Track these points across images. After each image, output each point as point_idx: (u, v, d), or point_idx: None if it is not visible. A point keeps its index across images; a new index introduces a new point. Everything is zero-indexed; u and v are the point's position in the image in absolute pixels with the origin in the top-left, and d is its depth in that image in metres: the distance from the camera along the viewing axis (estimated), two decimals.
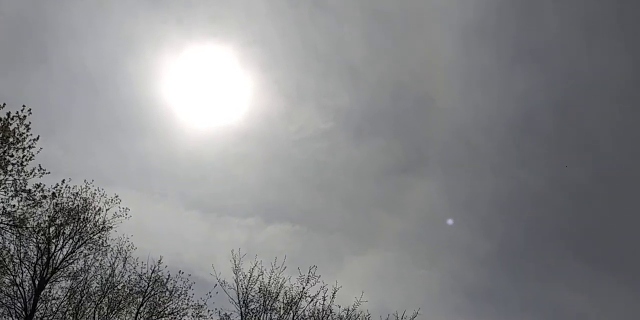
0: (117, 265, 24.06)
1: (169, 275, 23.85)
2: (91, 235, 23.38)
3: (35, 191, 18.84)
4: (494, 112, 62.73)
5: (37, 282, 22.36)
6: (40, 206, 19.94)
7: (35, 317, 22.49)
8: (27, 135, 18.66)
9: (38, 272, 22.47)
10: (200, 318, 23.06)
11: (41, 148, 18.13)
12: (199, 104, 56.03)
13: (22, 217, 20.20)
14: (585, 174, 63.27)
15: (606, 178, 63.17)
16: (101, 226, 23.39)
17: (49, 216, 22.08)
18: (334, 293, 20.58)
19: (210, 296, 22.74)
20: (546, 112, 63.70)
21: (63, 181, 22.21)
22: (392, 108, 64.70)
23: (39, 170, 18.21)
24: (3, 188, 18.66)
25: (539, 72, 62.22)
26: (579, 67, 61.38)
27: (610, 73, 61.37)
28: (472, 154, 64.23)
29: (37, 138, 18.01)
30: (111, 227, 23.67)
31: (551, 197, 63.60)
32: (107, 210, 23.61)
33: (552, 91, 63.08)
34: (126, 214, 23.87)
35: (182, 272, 23.86)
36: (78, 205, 23.00)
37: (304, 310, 20.99)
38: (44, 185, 19.31)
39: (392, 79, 64.45)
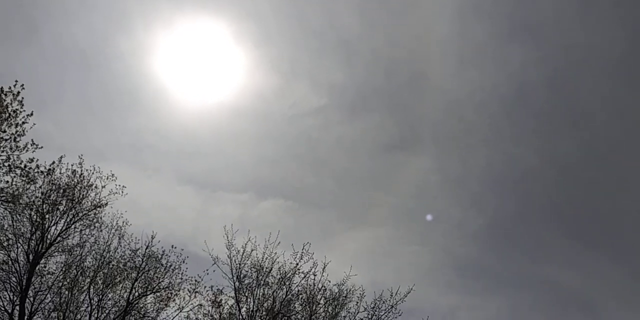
0: (112, 242, 24.28)
1: (163, 251, 24.14)
2: (86, 212, 23.48)
3: (29, 166, 18.78)
4: (488, 88, 62.73)
5: (31, 257, 22.50)
6: (34, 183, 19.92)
7: (30, 291, 22.73)
8: (20, 111, 18.54)
9: (32, 247, 22.59)
10: (196, 293, 23.45)
11: (34, 124, 18.05)
12: (192, 80, 55.57)
13: (15, 193, 20.19)
14: (578, 149, 63.90)
15: (599, 154, 63.78)
16: (97, 203, 23.47)
17: (42, 193, 22.09)
18: (324, 267, 20.92)
19: (207, 273, 23.12)
20: (540, 87, 63.74)
21: (60, 159, 22.16)
22: (386, 85, 64.52)
23: (31, 145, 18.14)
24: None
25: (533, 47, 61.90)
26: (574, 42, 61.11)
27: (605, 48, 61.26)
28: (465, 130, 64.54)
29: (31, 114, 17.90)
30: (106, 204, 23.78)
31: (543, 173, 64.34)
32: (102, 187, 23.72)
33: (546, 67, 62.94)
34: (122, 192, 23.99)
35: (175, 247, 24.14)
36: (73, 182, 23.03)
37: (297, 286, 21.37)
38: (38, 160, 19.25)
39: (387, 56, 64.05)
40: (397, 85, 64.16)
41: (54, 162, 21.41)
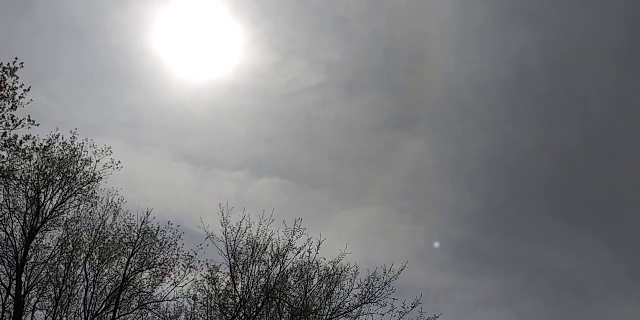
0: (108, 218, 24.37)
1: (158, 227, 24.22)
2: (81, 186, 23.48)
3: (25, 142, 18.66)
4: (487, 71, 62.53)
5: (27, 232, 22.59)
6: (30, 160, 19.84)
7: (26, 265, 22.90)
8: (18, 88, 18.29)
9: (28, 222, 22.66)
10: (191, 268, 23.67)
11: (32, 100, 17.84)
12: (189, 56, 55.18)
13: (10, 168, 20.11)
14: (574, 134, 64.14)
15: (595, 140, 64.03)
16: (91, 177, 23.44)
17: (37, 168, 22.03)
18: (319, 245, 21.05)
19: (201, 248, 23.26)
20: (539, 72, 63.63)
21: (57, 136, 22.01)
22: (385, 64, 64.10)
23: (28, 121, 17.98)
24: None
25: (534, 31, 61.61)
26: (575, 27, 60.87)
27: (606, 34, 61.01)
28: (463, 113, 64.54)
29: (29, 89, 17.65)
30: (101, 178, 23.75)
31: (539, 157, 64.68)
32: (97, 161, 23.64)
33: (546, 51, 62.77)
34: (117, 166, 23.91)
35: (172, 224, 24.26)
36: (67, 156, 22.96)
37: (291, 262, 21.61)
38: (35, 138, 19.11)
39: (386, 35, 63.53)
40: (396, 65, 63.83)
41: (50, 140, 21.25)
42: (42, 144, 19.60)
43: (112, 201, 24.33)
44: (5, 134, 17.82)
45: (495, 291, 54.95)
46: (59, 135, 22.01)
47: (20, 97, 17.46)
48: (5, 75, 17.65)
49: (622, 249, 59.42)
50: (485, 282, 55.48)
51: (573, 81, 63.14)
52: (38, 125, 17.89)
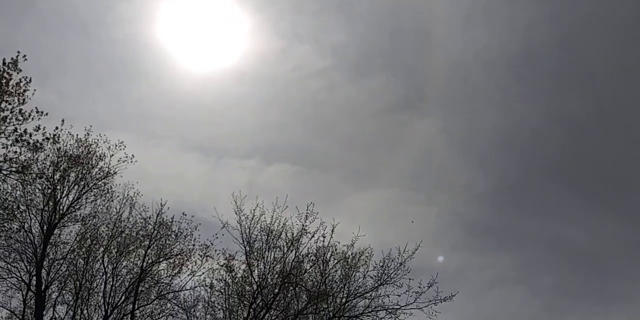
0: (124, 211, 24.60)
1: (172, 218, 24.40)
2: (96, 181, 23.73)
3: (35, 134, 18.89)
4: (495, 47, 61.56)
5: (45, 228, 22.90)
6: (42, 151, 20.07)
7: (45, 261, 23.22)
8: (22, 82, 18.52)
9: (45, 218, 22.96)
10: (208, 258, 23.80)
11: (35, 90, 18.03)
12: (194, 46, 55.33)
13: (24, 163, 20.37)
14: (585, 109, 63.12)
15: (606, 113, 63.03)
16: (106, 172, 23.69)
17: (51, 162, 22.32)
18: (333, 229, 21.01)
19: (217, 237, 23.34)
20: (549, 46, 62.55)
21: (62, 122, 22.17)
22: (391, 45, 63.44)
23: (36, 113, 18.20)
24: (2, 134, 18.71)
25: (541, 5, 60.48)
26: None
27: (616, 5, 59.88)
28: (472, 91, 63.83)
29: (30, 80, 17.87)
30: (116, 172, 23.98)
31: (550, 132, 63.82)
32: (111, 156, 23.85)
33: (555, 25, 61.68)
34: (131, 160, 24.09)
35: (186, 214, 24.37)
36: (82, 152, 23.21)
37: (305, 247, 21.59)
38: (45, 128, 19.32)
39: (390, 15, 62.78)
40: (402, 45, 63.11)
41: (57, 128, 21.49)
42: (51, 133, 19.81)
43: (128, 195, 24.57)
44: (16, 129, 18.10)
45: (510, 268, 54.52)
46: (63, 121, 22.19)
47: (24, 90, 17.66)
48: (10, 71, 17.90)
49: (636, 221, 58.53)
50: (499, 259, 55.06)
51: (582, 55, 62.13)
52: (47, 114, 18.09)
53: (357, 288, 21.57)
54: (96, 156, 23.67)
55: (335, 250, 22.16)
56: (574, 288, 53.85)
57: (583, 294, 52.37)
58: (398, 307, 20.69)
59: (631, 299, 49.52)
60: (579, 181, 63.02)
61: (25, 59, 18.64)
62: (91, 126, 23.63)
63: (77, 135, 23.27)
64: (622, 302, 49.77)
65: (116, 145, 23.72)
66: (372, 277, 21.06)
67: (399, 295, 20.52)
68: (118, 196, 24.44)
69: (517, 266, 55.38)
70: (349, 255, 21.90)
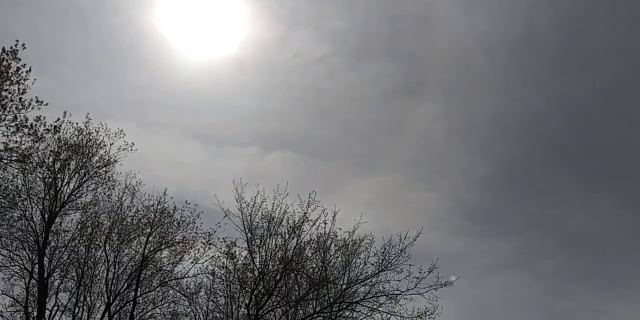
0: (125, 200, 24.68)
1: (174, 206, 24.53)
2: (97, 169, 23.75)
3: (36, 125, 18.87)
4: (496, 32, 61.04)
5: (46, 216, 22.97)
6: (43, 141, 20.04)
7: (47, 249, 23.34)
8: (22, 70, 18.42)
9: (46, 206, 23.02)
10: (210, 245, 23.99)
11: (35, 79, 17.95)
12: (193, 33, 54.90)
13: (25, 152, 20.36)
14: (587, 93, 63.00)
15: (608, 97, 62.88)
16: (106, 160, 23.70)
17: (52, 151, 22.30)
18: (334, 216, 21.11)
19: (219, 226, 23.50)
20: (549, 30, 61.95)
21: (65, 113, 22.17)
22: (390, 30, 62.85)
23: (36, 102, 18.13)
24: (3, 123, 18.66)
25: None
26: None
27: None
28: (473, 76, 63.47)
29: (30, 70, 17.79)
30: (116, 161, 23.98)
31: (551, 117, 63.69)
32: (111, 144, 23.84)
33: (556, 9, 61.08)
34: (131, 149, 24.08)
35: (189, 203, 24.53)
36: (82, 140, 23.19)
37: (307, 234, 21.74)
38: (45, 117, 19.30)
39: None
40: (402, 30, 62.55)
41: (58, 119, 21.43)
42: (52, 124, 19.77)
43: (129, 183, 24.64)
44: (15, 117, 18.04)
45: (510, 253, 55.08)
46: (65, 113, 22.15)
47: (24, 79, 17.59)
48: (9, 59, 17.79)
49: (637, 206, 59.01)
50: (500, 244, 55.58)
51: (584, 38, 61.79)
52: (47, 104, 18.05)
53: (357, 274, 21.81)
54: (96, 144, 23.67)
55: (336, 237, 22.34)
56: (574, 273, 54.45)
57: (584, 279, 53.05)
58: (399, 292, 20.90)
59: (631, 284, 50.20)
60: (580, 166, 63.22)
61: (25, 48, 18.56)
62: (89, 114, 23.62)
63: (77, 123, 23.26)
64: (623, 287, 50.47)
65: (116, 134, 23.73)
66: (372, 264, 21.26)
67: (399, 281, 20.73)
68: (120, 185, 24.54)
69: (517, 251, 55.89)
70: (349, 242, 22.07)
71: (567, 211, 59.22)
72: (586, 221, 58.73)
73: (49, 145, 21.91)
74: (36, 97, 18.35)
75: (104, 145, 23.57)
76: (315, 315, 22.70)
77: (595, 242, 57.64)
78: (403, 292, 20.80)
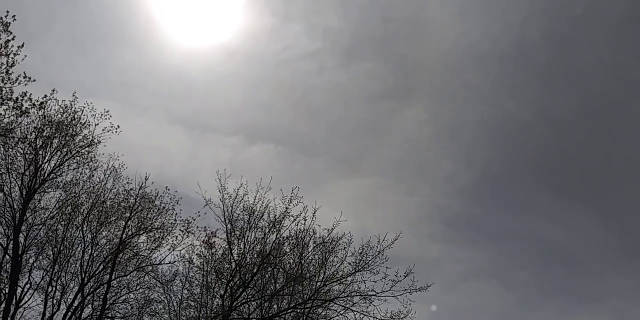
0: (108, 182, 24.40)
1: (157, 193, 24.32)
2: (80, 149, 23.41)
3: (22, 100, 18.51)
4: (487, 40, 61.35)
5: (25, 193, 22.63)
6: (27, 116, 19.70)
7: (24, 226, 23.02)
8: (11, 43, 18.07)
9: (26, 182, 22.68)
10: (189, 233, 23.83)
11: (26, 56, 17.63)
12: (184, 18, 54.34)
13: (8, 126, 20.01)
14: (573, 107, 63.51)
15: (593, 113, 63.45)
16: (90, 140, 23.36)
17: (35, 127, 21.92)
18: (315, 213, 21.01)
19: (199, 215, 23.35)
20: (540, 43, 62.45)
21: (53, 91, 21.78)
22: (383, 31, 62.73)
23: (24, 78, 17.80)
24: None
25: (537, 2, 60.23)
26: None
27: (608, 5, 59.72)
28: (461, 83, 63.69)
29: (22, 45, 17.44)
30: (100, 142, 23.67)
31: (537, 130, 64.22)
32: (96, 125, 23.50)
33: (548, 22, 61.47)
34: (117, 131, 23.79)
35: (169, 189, 24.34)
36: (67, 119, 22.82)
37: (287, 229, 21.62)
38: (31, 94, 18.97)
39: (384, 1, 62.03)
40: (394, 32, 62.43)
41: (46, 96, 21.06)
42: (38, 100, 19.42)
43: (112, 166, 24.35)
44: (1, 90, 17.69)
45: (486, 262, 55.56)
46: (53, 91, 21.77)
47: (15, 54, 17.25)
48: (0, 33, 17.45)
49: (614, 223, 59.82)
50: (476, 253, 56.03)
51: (573, 53, 62.10)
52: (34, 81, 17.71)
53: (334, 273, 21.73)
54: (81, 124, 23.32)
55: (315, 234, 22.21)
56: (547, 285, 55.09)
57: (556, 292, 53.63)
58: (374, 293, 20.86)
59: (602, 299, 50.88)
60: (562, 180, 63.82)
61: (15, 19, 18.21)
62: (76, 93, 23.23)
63: (64, 101, 22.88)
64: (593, 302, 51.11)
65: (102, 115, 23.40)
66: (350, 264, 21.20)
67: (375, 282, 20.70)
68: (102, 166, 24.25)
69: (492, 261, 56.40)
70: (328, 240, 21.95)
71: (545, 224, 59.80)
72: (562, 235, 59.37)
73: (33, 121, 21.55)
74: (24, 72, 18.05)
75: (89, 125, 23.25)
76: (290, 310, 22.63)
77: (569, 257, 58.32)
78: (378, 293, 20.80)
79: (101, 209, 24.07)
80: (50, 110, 22.33)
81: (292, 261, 22.35)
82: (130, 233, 23.77)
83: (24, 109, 18.96)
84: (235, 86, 59.02)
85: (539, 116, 63.94)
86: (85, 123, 23.11)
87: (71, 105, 22.99)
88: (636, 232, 59.10)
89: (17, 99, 18.22)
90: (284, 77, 60.74)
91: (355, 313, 21.08)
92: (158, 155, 40.88)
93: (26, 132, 21.77)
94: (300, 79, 61.30)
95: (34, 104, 19.29)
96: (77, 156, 23.46)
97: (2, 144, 20.79)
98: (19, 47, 17.65)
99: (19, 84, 17.95)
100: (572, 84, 63.34)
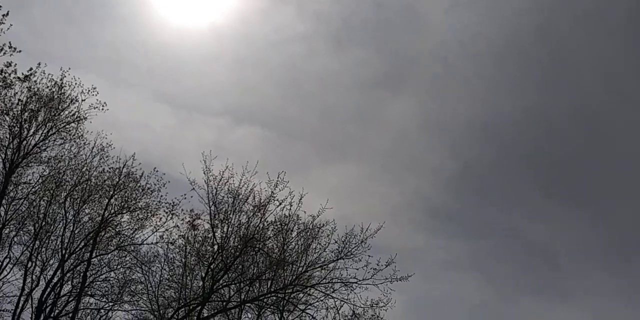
0: (93, 159, 24.09)
1: (142, 173, 24.06)
2: (65, 125, 23.06)
3: (6, 71, 18.10)
4: (478, 32, 61.14)
5: (7, 165, 22.29)
6: (11, 88, 19.30)
7: (6, 199, 22.71)
8: None
9: (9, 155, 22.33)
10: (173, 215, 23.63)
11: (11, 24, 17.19)
12: None
13: None
14: (562, 106, 63.67)
15: (582, 113, 63.71)
16: (76, 116, 22.98)
17: (19, 99, 21.50)
18: (301, 199, 20.93)
19: (185, 197, 23.13)
20: (531, 37, 62.33)
21: (39, 65, 21.35)
22: (374, 18, 62.21)
23: (9, 48, 17.39)
24: None
25: None
26: None
27: (601, 2, 59.61)
28: (451, 74, 63.45)
29: (7, 14, 17.02)
30: (86, 118, 23.31)
31: (525, 126, 64.34)
32: (82, 100, 23.12)
33: (539, 16, 61.30)
34: (103, 108, 23.43)
35: (157, 170, 24.08)
36: (53, 92, 22.40)
37: (271, 213, 21.51)
38: (16, 64, 18.55)
39: None
40: (386, 19, 61.93)
41: (31, 69, 20.62)
42: (23, 73, 19.01)
43: (99, 144, 24.02)
44: None
45: (466, 254, 56.03)
46: (39, 64, 21.35)
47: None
48: None
49: (596, 222, 60.42)
50: (457, 244, 56.45)
51: (564, 47, 62.04)
52: (20, 51, 17.33)
53: (316, 259, 21.71)
54: (69, 99, 22.92)
55: (299, 219, 22.14)
56: (527, 280, 55.66)
57: (535, 287, 54.22)
58: (355, 281, 20.89)
59: (581, 297, 51.52)
60: (546, 177, 64.14)
61: None
62: (67, 68, 22.78)
63: (50, 75, 22.43)
64: (571, 298, 51.74)
65: (89, 91, 23.01)
66: (332, 251, 21.18)
67: (357, 270, 20.73)
68: (89, 144, 23.91)
69: (473, 253, 56.83)
70: (311, 226, 21.89)
71: (527, 220, 60.20)
72: (544, 232, 59.88)
73: (16, 93, 21.12)
74: (9, 42, 17.64)
75: (76, 101, 22.86)
76: (270, 295, 22.63)
77: (550, 253, 58.93)
78: (359, 281, 20.82)
79: (85, 186, 23.78)
80: (38, 83, 21.91)
81: (274, 246, 22.30)
82: (112, 211, 23.53)
83: (8, 81, 18.57)
84: (223, 66, 58.40)
85: (528, 112, 64.05)
86: (73, 99, 22.71)
87: (60, 80, 22.58)
88: (618, 231, 59.79)
89: (2, 70, 17.82)
90: (272, 59, 60.23)
91: (336, 299, 21.13)
92: (142, 132, 40.50)
93: (10, 104, 21.36)
94: (289, 62, 60.73)
95: (18, 78, 18.85)
96: (62, 131, 23.10)
97: None
98: (4, 16, 17.27)
99: (4, 53, 17.62)
100: (563, 78, 63.45)
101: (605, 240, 59.17)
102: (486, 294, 50.80)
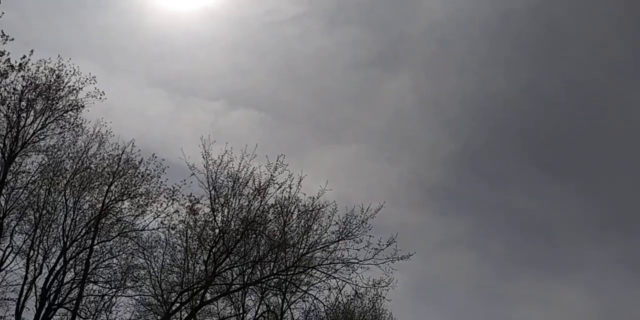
0: (92, 147, 24.11)
1: (141, 159, 24.12)
2: (63, 113, 23.01)
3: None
4: (471, 9, 61.00)
5: (6, 155, 22.28)
6: (5, 77, 19.19)
7: (5, 189, 22.74)
8: None
9: (7, 144, 22.30)
10: (174, 201, 23.74)
11: (3, 12, 17.08)
12: None
13: None
14: (556, 83, 63.87)
15: (576, 89, 63.96)
16: (73, 104, 22.91)
17: (14, 88, 21.40)
18: (300, 181, 21.09)
19: (185, 183, 23.23)
20: (524, 15, 62.25)
21: (31, 53, 21.20)
22: None
23: (1, 36, 17.28)
24: None
25: None
26: None
27: None
28: (445, 52, 63.42)
29: None
30: (83, 106, 23.24)
31: (520, 103, 64.67)
32: (80, 88, 23.01)
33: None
34: (100, 97, 23.35)
35: (156, 156, 24.16)
36: (50, 81, 22.31)
37: (271, 196, 21.65)
38: (9, 53, 18.43)
39: None
40: None
41: (24, 57, 20.49)
42: (16, 61, 18.90)
43: (98, 131, 24.03)
44: None
45: (464, 232, 56.71)
46: (32, 51, 21.20)
47: None
48: None
49: (591, 197, 61.10)
50: (455, 222, 57.07)
51: (557, 26, 62.03)
52: (12, 40, 17.23)
53: (317, 240, 21.92)
54: (68, 87, 22.83)
55: (299, 201, 22.29)
56: (523, 256, 56.35)
57: (532, 262, 55.01)
58: (356, 261, 21.17)
59: (577, 270, 52.24)
60: (543, 155, 64.55)
61: None
62: (70, 59, 22.64)
63: (47, 62, 22.27)
64: (568, 272, 52.50)
65: (87, 79, 22.91)
66: (333, 233, 21.39)
67: (358, 250, 20.96)
68: (88, 132, 23.92)
69: (470, 231, 57.43)
70: (312, 208, 22.05)
71: (523, 197, 60.81)
72: (540, 208, 60.49)
73: (12, 82, 21.02)
74: (2, 31, 17.54)
75: (74, 89, 22.76)
76: (272, 277, 22.88)
77: (546, 228, 59.67)
78: (361, 261, 21.10)
79: (84, 173, 23.84)
80: (36, 72, 21.77)
81: (275, 228, 22.48)
82: (113, 198, 23.63)
83: (1, 70, 18.48)
84: (216, 49, 58.08)
85: (523, 89, 64.21)
86: (71, 87, 22.60)
87: (58, 68, 22.46)
88: (611, 204, 60.47)
89: None
90: (266, 40, 59.92)
91: (338, 280, 21.43)
92: (138, 118, 40.41)
93: (6, 94, 21.28)
94: (282, 43, 60.47)
95: (12, 66, 18.75)
96: (59, 119, 23.06)
97: None
98: None
99: None
100: (555, 55, 63.46)
101: (600, 212, 59.85)
102: (484, 271, 51.53)
